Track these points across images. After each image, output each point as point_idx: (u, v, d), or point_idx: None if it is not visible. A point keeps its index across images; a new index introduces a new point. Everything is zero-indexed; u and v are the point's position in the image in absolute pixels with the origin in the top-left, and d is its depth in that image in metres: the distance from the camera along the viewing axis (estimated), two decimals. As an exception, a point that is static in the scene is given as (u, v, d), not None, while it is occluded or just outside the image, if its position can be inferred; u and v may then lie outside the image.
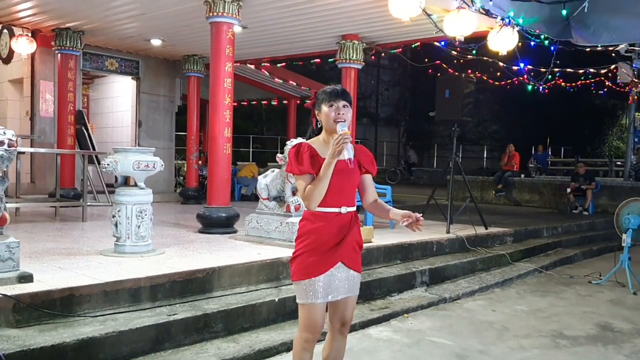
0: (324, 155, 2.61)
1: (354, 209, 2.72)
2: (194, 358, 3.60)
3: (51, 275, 4.00)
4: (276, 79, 12.96)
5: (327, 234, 2.63)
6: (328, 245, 2.63)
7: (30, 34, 9.13)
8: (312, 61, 10.61)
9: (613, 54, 11.19)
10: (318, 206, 2.63)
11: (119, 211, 4.87)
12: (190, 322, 3.83)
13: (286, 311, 4.47)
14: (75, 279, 3.93)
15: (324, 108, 2.65)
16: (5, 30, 9.75)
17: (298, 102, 14.44)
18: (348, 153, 2.55)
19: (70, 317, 3.58)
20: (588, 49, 8.87)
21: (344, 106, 2.63)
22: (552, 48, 7.68)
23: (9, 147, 3.61)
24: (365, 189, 2.81)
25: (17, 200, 7.55)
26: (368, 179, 2.80)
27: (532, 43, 7.31)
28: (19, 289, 3.57)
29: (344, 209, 2.64)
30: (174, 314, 3.85)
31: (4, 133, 3.61)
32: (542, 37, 7.24)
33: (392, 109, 31.50)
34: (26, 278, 3.74)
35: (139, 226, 4.90)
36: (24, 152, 7.90)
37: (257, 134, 24.12)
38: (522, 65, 8.90)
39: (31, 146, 9.31)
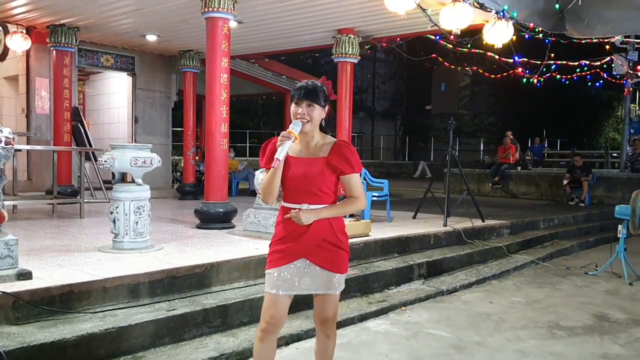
0: (293, 151, 2.68)
1: (321, 207, 2.66)
2: (193, 353, 3.62)
3: (50, 272, 4.01)
4: (272, 74, 12.95)
5: (288, 228, 2.67)
6: (288, 239, 2.68)
7: (24, 31, 9.10)
8: (308, 55, 10.59)
9: (608, 46, 11.20)
10: (283, 201, 2.71)
11: (116, 207, 4.88)
12: (189, 317, 3.85)
13: (285, 305, 4.50)
14: (74, 275, 3.95)
15: (292, 105, 2.68)
16: (-1, 27, 9.70)
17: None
18: (279, 153, 2.55)
19: (69, 314, 3.60)
20: (583, 41, 8.88)
21: (308, 105, 2.63)
22: (546, 41, 7.70)
23: (6, 144, 3.62)
24: (346, 191, 2.74)
25: (14, 197, 7.54)
26: (346, 180, 2.69)
27: (527, 36, 7.33)
28: (18, 286, 3.58)
29: (305, 206, 2.64)
30: (173, 310, 3.87)
31: (1, 131, 3.61)
32: (537, 30, 7.25)
33: (388, 102, 31.51)
34: (25, 275, 3.75)
35: (137, 222, 4.91)
36: (20, 150, 7.87)
37: (254, 129, 24.11)
38: (517, 58, 8.91)
39: (27, 143, 9.29)
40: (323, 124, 2.73)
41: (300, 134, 2.66)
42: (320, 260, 2.68)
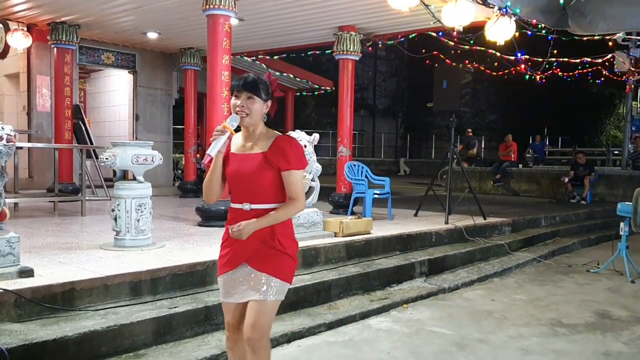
0: (235, 147, 2.57)
1: (264, 206, 2.49)
2: (195, 350, 3.62)
3: (52, 270, 4.01)
4: (272, 71, 12.92)
5: (228, 231, 2.54)
6: (229, 242, 2.56)
7: (25, 29, 9.09)
8: (309, 53, 10.57)
9: (610, 43, 11.17)
10: (230, 201, 2.57)
11: (118, 205, 4.88)
12: (191, 314, 3.85)
13: (285, 302, 4.46)
14: (76, 273, 3.95)
15: (232, 98, 2.53)
16: (0, 25, 9.69)
17: (297, 94, 14.46)
18: (211, 149, 2.44)
19: (71, 311, 3.60)
20: (585, 38, 8.86)
21: (248, 98, 2.48)
22: (549, 37, 7.68)
23: (7, 142, 3.61)
24: (286, 191, 2.53)
25: (15, 195, 7.54)
26: (284, 177, 2.50)
27: (529, 33, 7.31)
28: (20, 283, 3.59)
29: (246, 206, 2.49)
30: (175, 307, 3.86)
31: (2, 128, 3.61)
32: (540, 26, 7.23)
33: (389, 100, 31.47)
34: (27, 273, 3.75)
35: (138, 220, 4.91)
36: (21, 148, 7.88)
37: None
38: (519, 55, 8.88)
39: (29, 141, 9.28)
40: (265, 119, 2.56)
41: (243, 129, 2.55)
42: (259, 264, 2.51)
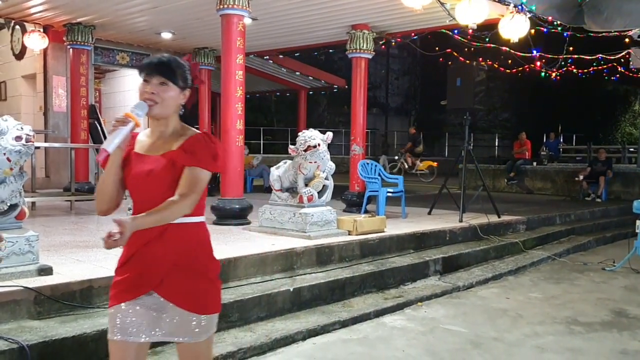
0: (140, 146, 2.07)
1: (172, 220, 1.97)
2: (211, 347, 3.65)
3: (70, 268, 4.07)
4: (285, 71, 12.96)
5: (129, 250, 2.01)
6: (130, 265, 2.01)
7: (42, 30, 9.21)
8: (321, 51, 10.59)
9: (627, 39, 11.04)
10: (132, 214, 2.01)
11: (134, 204, 4.92)
12: (207, 312, 3.88)
13: (301, 301, 4.52)
14: (94, 271, 4.00)
15: (141, 82, 2.02)
16: (17, 27, 9.84)
17: (310, 92, 14.49)
18: (108, 142, 1.91)
19: (89, 309, 3.65)
20: (600, 35, 8.77)
21: (160, 83, 1.98)
22: (565, 34, 7.61)
23: (26, 142, 3.67)
24: (180, 183, 1.98)
25: (32, 194, 7.64)
26: (185, 172, 1.97)
27: (545, 30, 7.26)
28: (39, 281, 3.65)
29: None
30: (191, 305, 3.89)
31: (22, 128, 3.67)
32: (555, 23, 7.17)
33: (402, 98, 31.38)
34: (46, 271, 3.81)
35: (154, 218, 4.94)
36: (38, 147, 7.97)
37: (267, 126, 24.14)
38: (535, 52, 8.81)
39: (45, 141, 9.41)
40: (182, 111, 2.08)
41: (152, 123, 2.06)
42: (172, 294, 1.99)
